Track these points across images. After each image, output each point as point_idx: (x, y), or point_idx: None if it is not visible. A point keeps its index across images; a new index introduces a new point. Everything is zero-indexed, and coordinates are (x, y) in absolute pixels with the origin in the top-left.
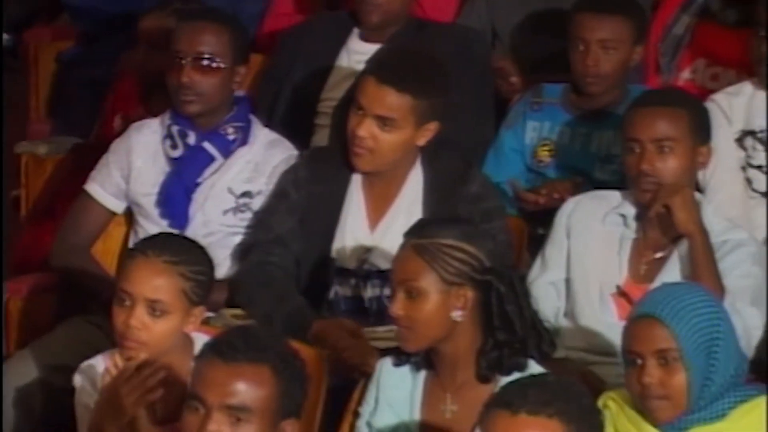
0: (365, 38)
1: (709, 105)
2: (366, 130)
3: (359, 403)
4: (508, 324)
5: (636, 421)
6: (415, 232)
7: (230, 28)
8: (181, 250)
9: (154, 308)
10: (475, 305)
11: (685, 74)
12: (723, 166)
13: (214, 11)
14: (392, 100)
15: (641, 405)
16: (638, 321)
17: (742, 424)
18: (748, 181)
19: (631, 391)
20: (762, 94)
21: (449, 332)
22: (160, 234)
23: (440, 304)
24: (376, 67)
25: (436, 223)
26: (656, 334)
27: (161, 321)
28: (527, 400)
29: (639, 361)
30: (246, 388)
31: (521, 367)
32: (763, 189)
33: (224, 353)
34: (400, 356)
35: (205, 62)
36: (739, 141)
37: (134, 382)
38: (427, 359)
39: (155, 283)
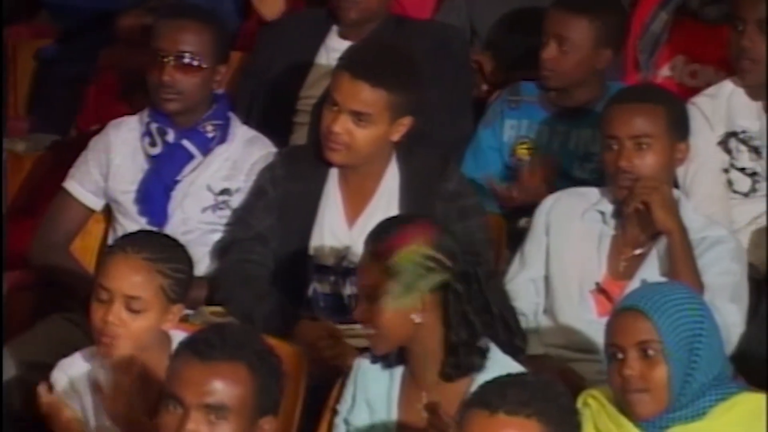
0: (344, 36)
1: (690, 108)
2: (341, 126)
3: (337, 400)
4: (465, 324)
5: (617, 418)
6: (373, 237)
7: (212, 27)
8: (160, 248)
9: (132, 305)
10: (436, 306)
11: (664, 71)
12: (704, 169)
13: (195, 9)
14: (367, 96)
15: (622, 399)
16: (620, 314)
17: (722, 422)
18: (730, 182)
19: (612, 385)
20: (740, 94)
21: (413, 334)
22: (140, 231)
23: (398, 310)
24: (349, 62)
25: (392, 226)
26: (638, 326)
27: (139, 318)
28: (506, 400)
29: (620, 355)
30: (223, 387)
31: (477, 368)
32: (744, 190)
33: (200, 352)
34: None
35: (187, 61)
36: (723, 143)
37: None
38: (399, 356)
39: (133, 280)
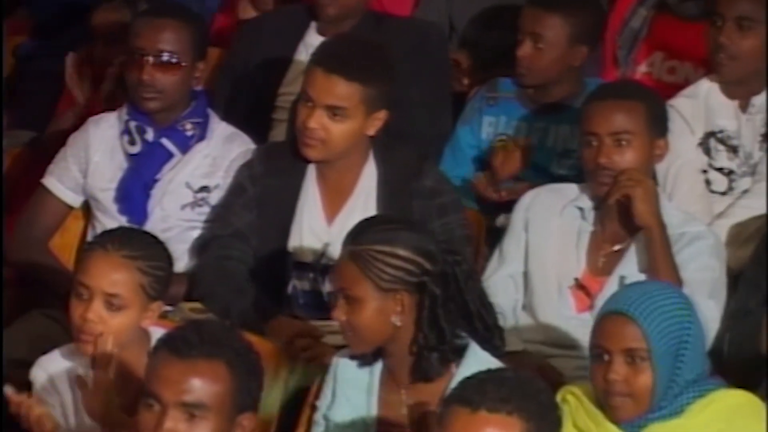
0: (322, 32)
1: (669, 109)
2: (316, 121)
3: (317, 396)
4: (435, 329)
5: (595, 416)
6: (351, 238)
7: (190, 25)
8: (140, 245)
9: (112, 302)
10: (413, 308)
11: (642, 67)
12: (685, 170)
13: (173, 6)
14: (341, 90)
15: (603, 401)
16: (609, 317)
17: (700, 419)
18: (708, 182)
19: (595, 385)
20: (716, 93)
21: (392, 334)
22: (120, 228)
23: (378, 311)
24: (322, 57)
25: (372, 227)
26: (627, 332)
27: (118, 315)
28: (486, 397)
29: (606, 357)
30: (201, 385)
31: (440, 374)
32: (722, 189)
33: (178, 349)
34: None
35: (166, 59)
36: (703, 144)
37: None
38: (378, 353)
39: (113, 277)
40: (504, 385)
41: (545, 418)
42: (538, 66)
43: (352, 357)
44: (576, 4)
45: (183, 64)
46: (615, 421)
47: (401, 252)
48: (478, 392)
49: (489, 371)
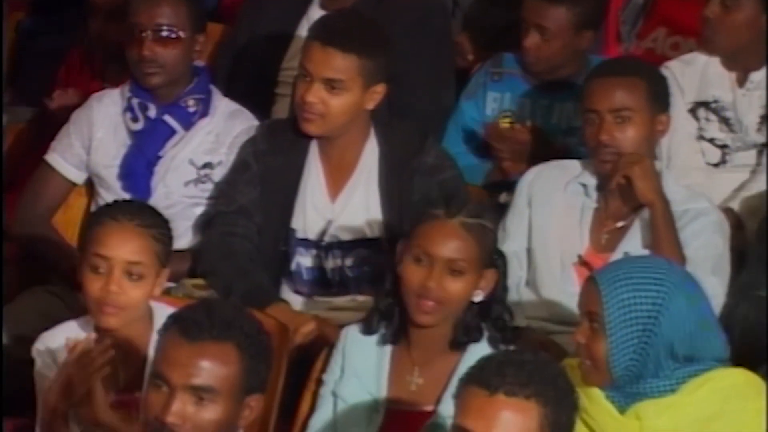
0: (325, 7)
1: (665, 72)
2: (314, 95)
3: (323, 370)
4: (504, 304)
5: (587, 390)
6: (454, 210)
7: None
8: (147, 215)
9: (132, 272)
10: (492, 283)
11: (646, 43)
12: (678, 136)
13: None
14: (338, 62)
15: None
16: (587, 280)
17: (693, 398)
18: (702, 154)
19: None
20: (715, 64)
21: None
22: (122, 200)
23: (473, 284)
24: (319, 31)
25: (469, 201)
26: (590, 296)
27: (138, 285)
28: (505, 380)
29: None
30: (210, 368)
31: (507, 342)
32: (714, 161)
33: (188, 331)
34: (369, 326)
35: (165, 33)
36: (692, 112)
37: (84, 360)
38: (396, 334)
39: (133, 246)
40: (523, 369)
41: (562, 402)
42: (546, 55)
43: (366, 332)
44: None
45: (182, 36)
46: (606, 394)
47: (493, 230)
48: (497, 375)
49: (508, 353)
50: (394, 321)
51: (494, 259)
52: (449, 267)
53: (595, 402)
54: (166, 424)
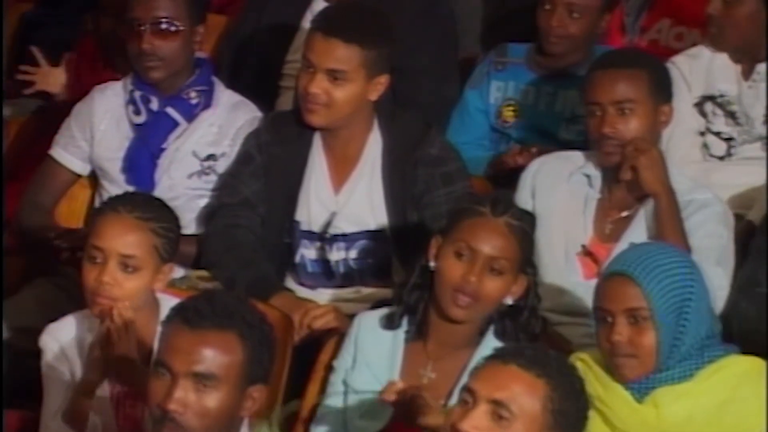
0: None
1: (670, 68)
2: (318, 86)
3: (333, 356)
4: (539, 317)
5: (603, 379)
6: (500, 209)
7: None
8: (151, 208)
9: (127, 264)
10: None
11: (650, 34)
12: (680, 130)
13: None
14: (341, 53)
15: (609, 362)
16: (610, 279)
17: (707, 385)
18: (706, 146)
19: (601, 348)
20: (722, 57)
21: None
22: (128, 192)
23: (509, 287)
24: (321, 22)
25: (512, 203)
26: (627, 292)
27: (133, 277)
28: (522, 355)
29: (609, 319)
30: (212, 356)
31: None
32: (720, 154)
33: (190, 320)
34: (392, 320)
35: (164, 26)
36: (699, 106)
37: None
38: (419, 328)
39: (128, 238)
40: (539, 352)
41: (570, 395)
42: (572, 33)
43: (387, 327)
44: None
45: (181, 29)
46: (622, 381)
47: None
48: (515, 351)
49: (530, 344)
50: (417, 315)
51: (529, 266)
52: (490, 264)
53: (611, 391)
54: (168, 411)
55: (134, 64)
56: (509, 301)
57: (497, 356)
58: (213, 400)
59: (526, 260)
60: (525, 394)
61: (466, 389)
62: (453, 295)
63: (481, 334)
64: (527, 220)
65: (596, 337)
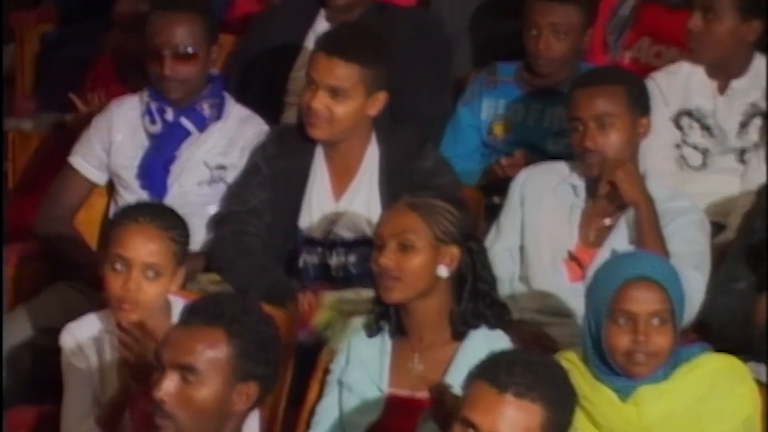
0: (331, 20)
1: (649, 83)
2: (319, 102)
3: (330, 360)
4: (487, 281)
5: (588, 378)
6: (407, 195)
7: (201, 15)
8: (167, 216)
9: (149, 271)
10: (457, 263)
11: (631, 52)
12: (658, 143)
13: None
14: (341, 71)
15: (622, 359)
16: (634, 283)
17: (685, 382)
18: (683, 158)
19: (613, 346)
20: (699, 73)
21: (431, 288)
22: (142, 202)
23: (429, 259)
24: (324, 42)
25: (425, 189)
26: (654, 296)
27: (155, 283)
28: (514, 380)
29: (622, 321)
30: (198, 349)
31: (501, 319)
32: (696, 164)
33: (183, 316)
34: (373, 327)
35: (183, 51)
36: (676, 120)
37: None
38: (398, 326)
39: (151, 248)
40: (531, 371)
41: (564, 405)
42: (558, 54)
43: (370, 335)
44: None
45: (199, 54)
46: (608, 383)
47: (455, 211)
48: (507, 374)
49: (516, 352)
50: (392, 317)
51: (458, 238)
52: (399, 243)
53: (597, 390)
54: (156, 400)
55: (156, 84)
56: (444, 272)
57: (490, 381)
58: (197, 392)
59: (445, 233)
60: (524, 421)
61: (466, 421)
62: (378, 281)
63: (465, 323)
64: (429, 195)
65: (609, 337)
